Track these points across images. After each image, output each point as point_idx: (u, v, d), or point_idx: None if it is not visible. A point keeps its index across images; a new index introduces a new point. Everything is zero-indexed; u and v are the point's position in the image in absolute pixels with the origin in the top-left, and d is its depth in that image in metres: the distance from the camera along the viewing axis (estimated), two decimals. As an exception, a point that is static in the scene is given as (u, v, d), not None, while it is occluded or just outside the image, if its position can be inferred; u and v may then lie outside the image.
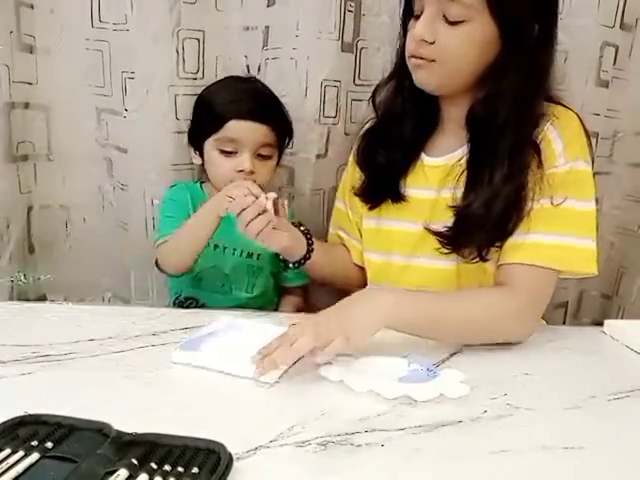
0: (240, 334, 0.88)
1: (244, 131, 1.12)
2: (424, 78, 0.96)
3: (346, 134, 1.34)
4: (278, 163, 1.23)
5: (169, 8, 1.21)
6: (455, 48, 0.91)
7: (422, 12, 0.92)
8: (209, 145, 1.16)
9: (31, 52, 1.27)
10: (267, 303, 1.25)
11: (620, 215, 1.47)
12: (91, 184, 1.37)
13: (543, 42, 0.92)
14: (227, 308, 1.12)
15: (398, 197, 1.06)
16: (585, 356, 0.90)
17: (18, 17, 1.23)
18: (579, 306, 1.56)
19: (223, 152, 1.14)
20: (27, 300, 1.32)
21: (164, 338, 0.87)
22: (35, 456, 0.55)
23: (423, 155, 1.06)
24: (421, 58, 0.93)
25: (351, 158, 1.17)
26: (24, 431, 0.58)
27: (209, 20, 1.25)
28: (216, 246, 1.17)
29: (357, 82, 1.32)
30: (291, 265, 1.12)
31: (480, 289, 0.98)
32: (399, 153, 1.06)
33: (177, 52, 1.25)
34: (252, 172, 1.13)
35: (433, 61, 0.93)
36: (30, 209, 1.36)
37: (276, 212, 1.00)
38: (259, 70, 1.29)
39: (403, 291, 0.95)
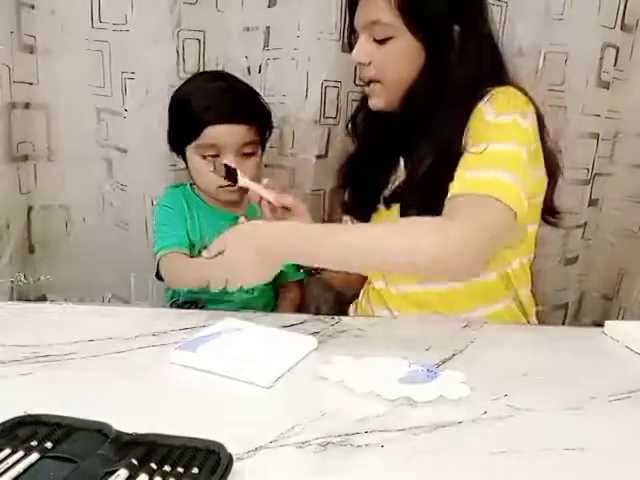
0: (240, 336, 0.87)
1: (223, 135, 1.12)
2: (374, 100, 1.05)
3: (346, 135, 1.34)
4: (262, 153, 1.22)
5: (169, 8, 1.22)
6: (388, 64, 1.00)
7: None
8: (190, 151, 1.15)
9: (32, 52, 1.27)
10: (266, 302, 1.24)
11: (620, 216, 1.47)
12: (91, 184, 1.38)
13: (470, 38, 0.97)
14: (227, 310, 1.12)
15: (386, 205, 1.08)
16: (586, 357, 0.90)
17: (19, 17, 1.24)
18: (579, 307, 1.56)
19: (206, 157, 1.13)
20: (27, 300, 1.33)
21: (164, 339, 0.87)
22: (35, 456, 0.54)
23: (401, 160, 1.09)
24: (367, 83, 1.04)
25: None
26: (24, 431, 0.58)
27: (210, 20, 1.26)
28: None
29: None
30: (312, 270, 1.14)
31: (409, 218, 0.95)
32: (380, 170, 1.11)
33: (177, 52, 1.25)
34: None
35: (378, 82, 1.02)
36: (30, 209, 1.36)
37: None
38: (260, 70, 1.29)
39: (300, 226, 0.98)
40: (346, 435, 0.64)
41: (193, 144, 1.13)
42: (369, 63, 1.01)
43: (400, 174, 1.08)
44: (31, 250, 1.38)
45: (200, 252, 1.15)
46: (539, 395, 0.75)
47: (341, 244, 0.87)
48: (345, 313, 1.19)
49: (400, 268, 0.92)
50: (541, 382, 0.80)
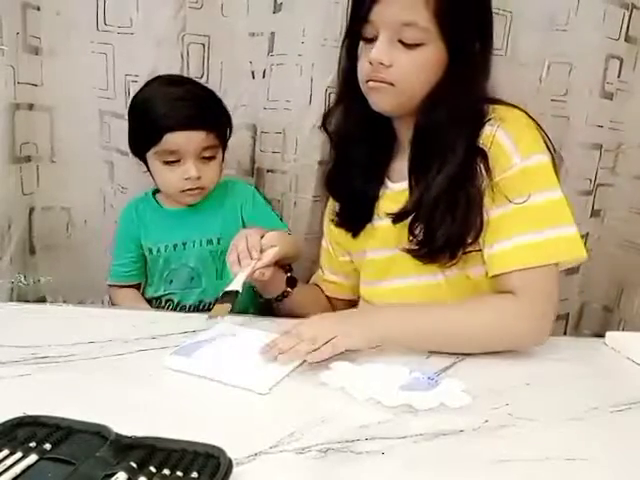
0: (234, 342, 0.87)
1: (182, 141, 1.11)
2: (380, 101, 0.98)
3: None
4: (223, 157, 1.21)
5: (175, 12, 1.22)
6: (412, 71, 0.94)
7: (376, 36, 0.94)
8: (151, 157, 1.15)
9: (36, 53, 1.27)
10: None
11: (623, 227, 1.47)
12: (93, 186, 1.38)
13: (483, 56, 0.97)
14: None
15: (393, 222, 1.03)
16: (587, 368, 0.90)
17: (24, 18, 1.24)
18: (580, 318, 1.56)
19: (166, 162, 1.13)
20: (27, 301, 1.32)
21: (164, 342, 0.87)
22: (33, 457, 0.54)
23: (387, 181, 1.07)
24: (379, 81, 0.95)
25: (330, 201, 1.20)
26: (22, 432, 0.58)
27: (215, 25, 1.26)
28: (175, 246, 1.19)
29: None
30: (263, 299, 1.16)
31: (485, 299, 0.96)
32: (362, 180, 1.07)
33: (182, 56, 1.25)
34: (199, 177, 1.14)
35: (391, 84, 0.95)
36: (32, 210, 1.36)
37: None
38: (264, 76, 1.29)
39: (398, 309, 0.96)
40: (346, 442, 0.63)
41: (153, 150, 1.13)
42: (390, 65, 0.93)
43: (390, 187, 1.06)
44: (32, 251, 1.38)
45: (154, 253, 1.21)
46: (540, 405, 0.75)
47: (427, 331, 0.91)
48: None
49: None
50: (542, 392, 0.79)
